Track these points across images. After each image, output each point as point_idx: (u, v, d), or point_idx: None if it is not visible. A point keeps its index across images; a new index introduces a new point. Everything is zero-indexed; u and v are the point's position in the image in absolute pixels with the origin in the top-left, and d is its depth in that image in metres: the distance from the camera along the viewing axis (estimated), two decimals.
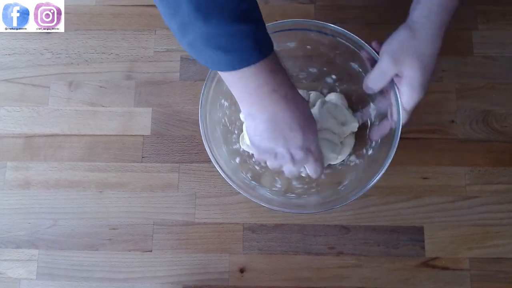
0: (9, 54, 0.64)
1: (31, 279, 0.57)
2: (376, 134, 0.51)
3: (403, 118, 0.47)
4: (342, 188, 0.52)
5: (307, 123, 0.44)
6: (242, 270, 0.56)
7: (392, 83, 0.47)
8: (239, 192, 0.48)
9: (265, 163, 0.48)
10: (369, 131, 0.54)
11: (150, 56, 0.63)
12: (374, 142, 0.53)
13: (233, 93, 0.41)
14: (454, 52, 0.61)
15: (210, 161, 0.59)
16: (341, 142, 0.54)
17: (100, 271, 0.57)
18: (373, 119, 0.54)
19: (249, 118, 0.43)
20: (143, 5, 0.65)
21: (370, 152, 0.53)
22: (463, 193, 0.57)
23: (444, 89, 0.60)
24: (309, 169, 0.48)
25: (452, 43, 0.61)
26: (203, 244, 0.57)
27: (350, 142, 0.55)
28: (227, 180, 0.48)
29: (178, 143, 0.60)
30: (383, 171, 0.46)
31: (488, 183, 0.57)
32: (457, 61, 0.60)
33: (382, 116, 0.51)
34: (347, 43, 0.50)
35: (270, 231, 0.57)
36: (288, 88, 0.41)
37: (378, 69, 0.47)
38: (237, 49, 0.36)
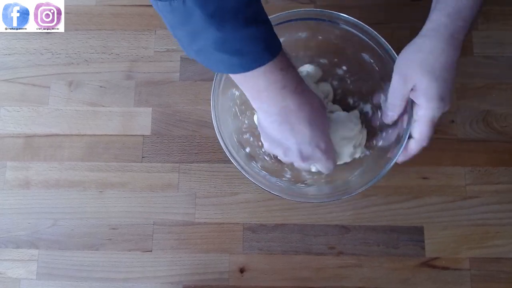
0: (9, 54, 0.64)
1: (31, 279, 0.57)
2: (403, 156, 0.49)
3: (421, 132, 0.45)
4: (353, 179, 0.52)
5: (317, 119, 0.44)
6: (242, 270, 0.56)
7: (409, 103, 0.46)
8: (251, 180, 0.48)
9: (276, 157, 0.49)
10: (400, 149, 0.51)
11: (150, 56, 0.63)
12: (384, 133, 0.53)
13: (243, 91, 0.42)
14: None
15: (210, 161, 0.59)
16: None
17: (100, 271, 0.57)
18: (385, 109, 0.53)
19: (260, 111, 0.44)
20: (143, 5, 0.65)
21: (380, 143, 0.53)
22: (463, 193, 0.57)
23: None
24: (319, 166, 0.49)
25: None
26: (203, 244, 0.57)
27: (363, 140, 0.55)
28: (238, 167, 0.48)
29: (178, 143, 0.60)
30: (394, 161, 0.46)
31: (488, 183, 0.57)
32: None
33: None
34: (359, 34, 0.50)
35: (270, 231, 0.57)
36: (297, 83, 0.42)
37: (391, 89, 0.46)
38: (250, 51, 0.37)
